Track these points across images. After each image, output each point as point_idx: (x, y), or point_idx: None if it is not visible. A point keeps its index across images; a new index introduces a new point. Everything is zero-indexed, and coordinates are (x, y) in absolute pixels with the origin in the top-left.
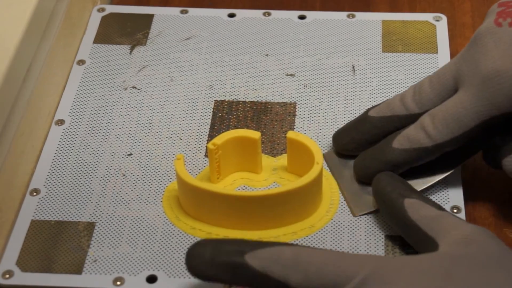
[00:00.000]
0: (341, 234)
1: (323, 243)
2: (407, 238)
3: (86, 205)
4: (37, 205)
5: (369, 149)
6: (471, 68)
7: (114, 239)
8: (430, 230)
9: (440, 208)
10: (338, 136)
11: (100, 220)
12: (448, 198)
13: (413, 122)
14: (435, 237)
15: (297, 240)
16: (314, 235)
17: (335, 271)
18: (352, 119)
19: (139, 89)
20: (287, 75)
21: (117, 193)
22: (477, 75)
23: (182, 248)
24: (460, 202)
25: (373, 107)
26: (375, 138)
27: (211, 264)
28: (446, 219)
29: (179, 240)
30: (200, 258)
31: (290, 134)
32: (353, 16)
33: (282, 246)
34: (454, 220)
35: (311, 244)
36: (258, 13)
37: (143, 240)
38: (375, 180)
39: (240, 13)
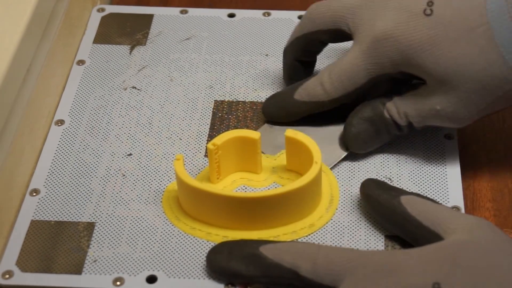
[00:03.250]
0: (341, 234)
1: (323, 242)
2: (407, 236)
3: (86, 205)
4: (37, 205)
5: (274, 96)
6: (368, 24)
7: (114, 239)
8: (432, 223)
9: (435, 202)
10: (267, 110)
11: (100, 220)
12: (448, 198)
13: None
14: (437, 230)
15: (297, 239)
16: (314, 234)
17: (343, 262)
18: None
19: (139, 89)
20: None
21: (117, 193)
22: (370, 34)
23: (182, 248)
24: (460, 202)
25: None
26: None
27: (229, 257)
28: (445, 212)
29: (179, 240)
30: (219, 254)
31: (289, 133)
32: None
33: (295, 242)
34: (454, 212)
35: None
36: (258, 13)
37: (143, 240)
38: (363, 187)
39: (240, 13)
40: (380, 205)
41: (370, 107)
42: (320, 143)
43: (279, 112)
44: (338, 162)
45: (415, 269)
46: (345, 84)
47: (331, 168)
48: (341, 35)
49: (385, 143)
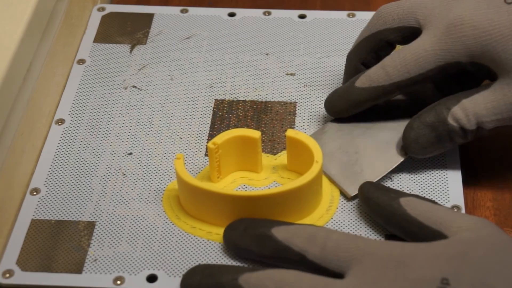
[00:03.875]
0: None
1: None
2: (409, 238)
3: (86, 205)
4: (37, 205)
5: (338, 88)
6: (441, 14)
7: (114, 239)
8: (434, 223)
9: (435, 203)
10: (329, 100)
11: (100, 220)
12: (448, 197)
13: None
14: (441, 229)
15: None
16: None
17: (351, 249)
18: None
19: (139, 88)
20: (287, 74)
21: (117, 192)
22: (444, 20)
23: (182, 247)
24: (460, 202)
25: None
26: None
27: (243, 234)
28: (447, 212)
29: (179, 239)
30: (235, 230)
31: (289, 132)
32: (353, 15)
33: (308, 225)
34: (455, 212)
35: None
36: (258, 12)
37: (143, 240)
38: (361, 190)
39: (240, 12)
40: (379, 208)
41: (434, 112)
42: (377, 147)
43: (340, 102)
44: (395, 168)
45: (424, 262)
46: (409, 67)
47: (388, 174)
48: (410, 33)
49: (447, 149)
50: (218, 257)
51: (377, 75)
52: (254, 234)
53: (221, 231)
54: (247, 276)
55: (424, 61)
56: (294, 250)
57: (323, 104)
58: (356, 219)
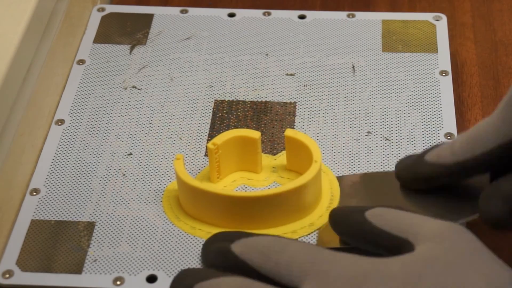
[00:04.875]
0: None
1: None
2: (381, 251)
3: (86, 205)
4: (37, 205)
5: (407, 158)
6: None
7: (114, 239)
8: (401, 231)
9: (402, 209)
10: (398, 167)
11: (100, 220)
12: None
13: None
14: (407, 237)
15: (297, 238)
16: (314, 233)
17: (305, 264)
18: (353, 119)
19: (139, 89)
20: (287, 74)
21: (117, 192)
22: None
23: (182, 247)
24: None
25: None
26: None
27: (209, 249)
28: (414, 218)
29: (179, 240)
30: (205, 246)
31: (288, 132)
32: (353, 15)
33: (265, 236)
34: (424, 217)
35: (311, 242)
36: (258, 12)
37: (143, 240)
38: (330, 216)
39: (240, 12)
40: (347, 227)
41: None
42: (450, 195)
43: (406, 172)
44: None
45: (379, 284)
46: (473, 145)
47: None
48: None
49: None
50: None
51: (444, 151)
52: (217, 249)
53: (221, 231)
54: (200, 285)
55: (487, 138)
56: (249, 265)
57: (322, 105)
58: None
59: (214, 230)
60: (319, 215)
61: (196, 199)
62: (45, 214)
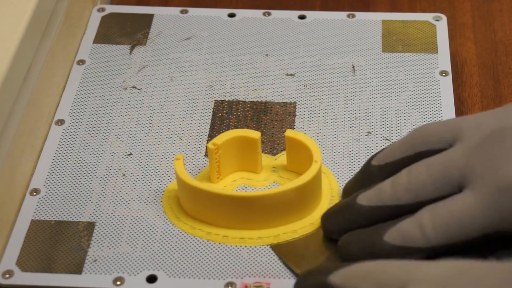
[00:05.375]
0: None
1: (323, 241)
2: None
3: (86, 205)
4: (37, 205)
5: (357, 234)
6: (488, 171)
7: (114, 239)
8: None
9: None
10: (325, 220)
11: (100, 220)
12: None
13: (404, 213)
14: None
15: (296, 238)
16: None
17: (401, 276)
18: (353, 119)
19: (139, 89)
20: (287, 75)
21: (117, 193)
22: (493, 182)
23: (182, 248)
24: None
25: (361, 192)
26: (364, 226)
27: (304, 286)
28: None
29: (179, 240)
30: (298, 284)
31: (289, 133)
32: (353, 16)
33: (375, 262)
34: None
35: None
36: (258, 13)
37: (143, 240)
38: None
39: (240, 13)
40: None
41: None
42: None
43: (363, 255)
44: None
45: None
46: (451, 232)
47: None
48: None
49: None
50: (218, 258)
51: (412, 233)
52: (315, 283)
53: (220, 231)
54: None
55: (469, 228)
56: None
57: (322, 105)
58: None
59: (214, 230)
60: (320, 215)
61: (196, 199)
62: (45, 214)
